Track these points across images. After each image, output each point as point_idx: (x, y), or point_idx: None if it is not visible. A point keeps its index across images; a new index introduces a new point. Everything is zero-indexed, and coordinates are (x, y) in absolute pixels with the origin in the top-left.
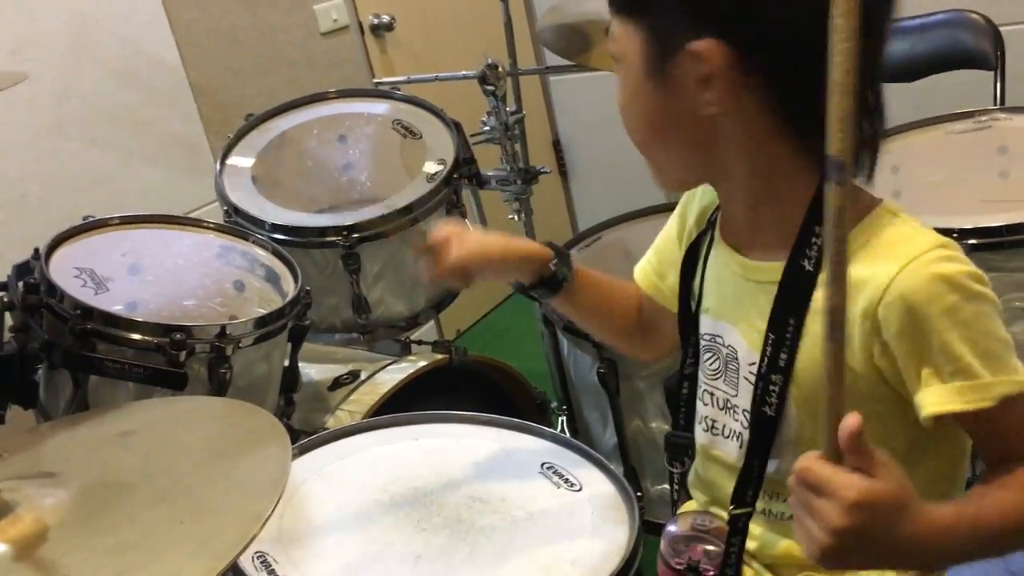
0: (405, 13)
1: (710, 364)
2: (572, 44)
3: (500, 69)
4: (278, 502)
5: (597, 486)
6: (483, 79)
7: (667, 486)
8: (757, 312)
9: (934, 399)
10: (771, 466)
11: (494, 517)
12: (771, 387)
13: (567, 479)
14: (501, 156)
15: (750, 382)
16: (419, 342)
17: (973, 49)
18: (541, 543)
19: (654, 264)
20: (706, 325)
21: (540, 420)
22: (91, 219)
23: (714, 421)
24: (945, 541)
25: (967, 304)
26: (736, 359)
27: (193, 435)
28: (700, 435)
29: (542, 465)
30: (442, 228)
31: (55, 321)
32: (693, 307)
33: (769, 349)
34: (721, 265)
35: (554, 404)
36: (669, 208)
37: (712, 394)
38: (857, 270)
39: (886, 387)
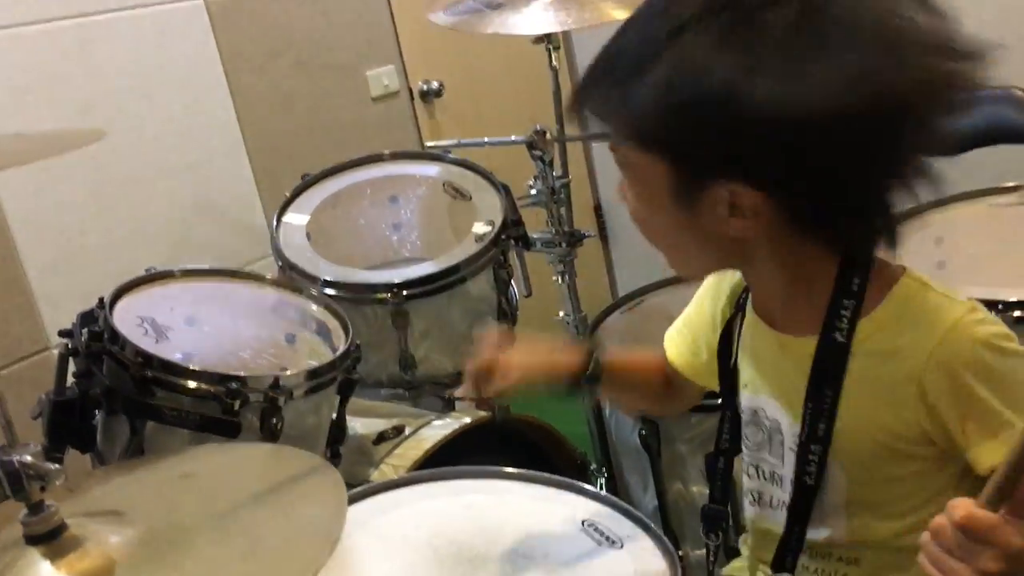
0: (454, 80)
1: (753, 437)
2: None
3: (548, 135)
4: (335, 545)
5: (639, 544)
6: (531, 145)
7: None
8: (795, 386)
9: (988, 455)
10: (820, 533)
11: (537, 572)
12: (810, 456)
13: (608, 537)
14: (547, 219)
15: (795, 452)
16: (462, 399)
17: (1019, 125)
18: None
19: (689, 343)
20: (747, 400)
21: (580, 480)
22: (153, 270)
23: (761, 493)
24: None
25: (1004, 362)
26: (780, 431)
27: (251, 479)
28: (748, 509)
29: (583, 523)
30: (485, 350)
31: (116, 368)
32: (729, 385)
33: (808, 420)
34: (757, 341)
35: (593, 466)
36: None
37: (757, 467)
38: (893, 340)
39: (931, 448)
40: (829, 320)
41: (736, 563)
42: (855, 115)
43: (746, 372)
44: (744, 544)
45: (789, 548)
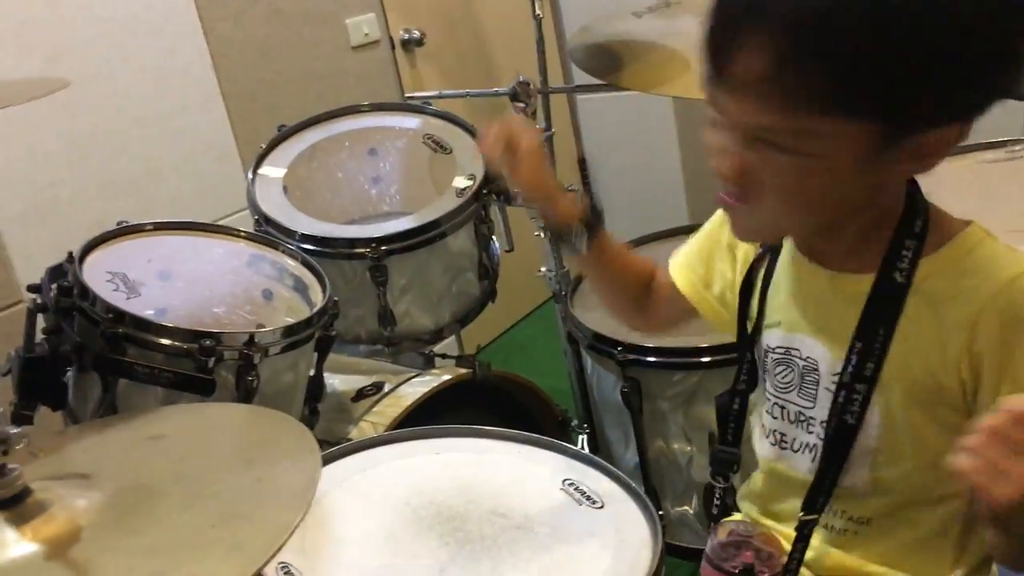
0: (436, 29)
1: (782, 377)
2: (603, 64)
3: (532, 87)
4: (307, 511)
5: (619, 504)
6: (514, 96)
7: (687, 508)
8: (844, 324)
9: None
10: (846, 477)
11: (516, 533)
12: (854, 396)
13: (589, 496)
14: None
15: (831, 392)
16: (443, 355)
17: None
18: (564, 560)
19: (700, 273)
20: (776, 339)
21: (561, 437)
22: (125, 224)
23: (783, 435)
24: None
25: None
26: (816, 370)
27: (223, 441)
28: (766, 449)
29: (564, 482)
30: (522, 133)
31: (87, 324)
32: (750, 328)
33: (855, 358)
34: (800, 280)
35: (575, 422)
36: (695, 229)
37: (783, 407)
38: (955, 282)
39: (964, 401)
40: (890, 259)
41: (736, 516)
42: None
43: (781, 311)
44: (744, 499)
45: (821, 490)
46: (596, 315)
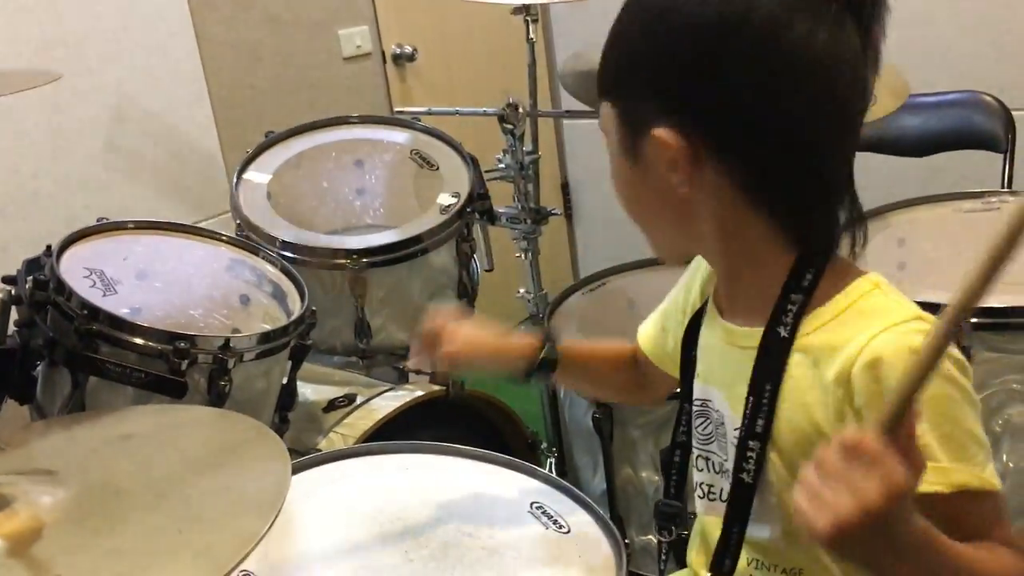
0: (428, 45)
1: (702, 429)
2: (593, 90)
3: (521, 110)
4: (275, 519)
5: (585, 530)
6: (503, 117)
7: (652, 537)
8: (740, 378)
9: None
10: (762, 532)
11: (482, 553)
12: (748, 453)
13: (556, 521)
14: (514, 194)
15: (735, 447)
16: (417, 371)
17: (985, 130)
18: None
19: (658, 329)
20: (697, 391)
21: (530, 460)
22: (105, 221)
23: (710, 486)
24: (923, 554)
25: (937, 384)
26: (724, 424)
27: (192, 444)
28: (698, 502)
29: (532, 505)
30: (437, 318)
31: (61, 319)
32: (689, 377)
33: (748, 413)
34: (710, 331)
35: (544, 445)
36: None
37: (707, 459)
38: (832, 336)
39: None
40: (776, 313)
41: (681, 573)
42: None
43: (700, 363)
44: (691, 550)
45: (728, 550)
46: (573, 338)
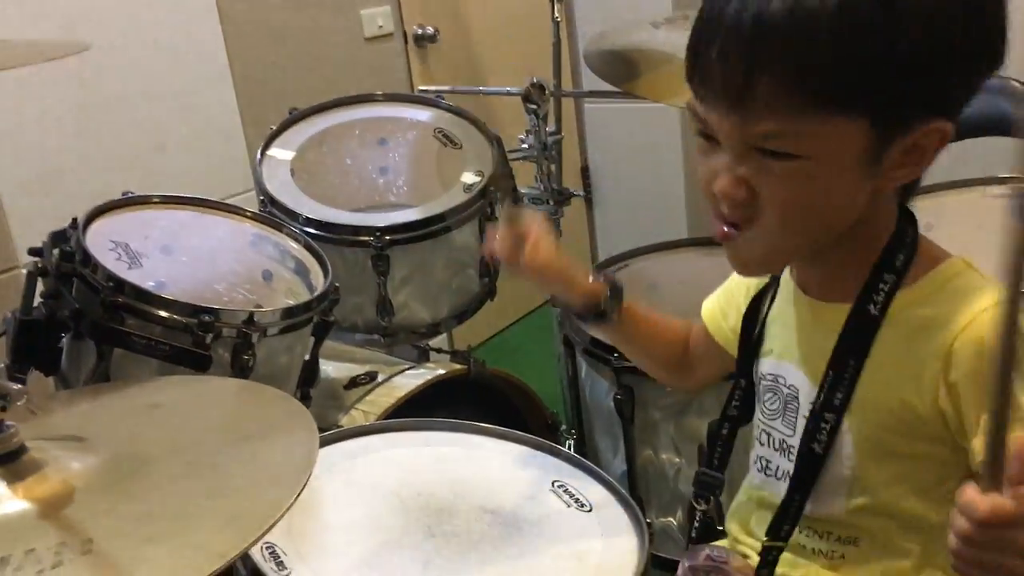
0: (449, 26)
1: (769, 404)
2: (618, 71)
3: (546, 90)
4: (303, 489)
5: (607, 510)
6: (527, 97)
7: (672, 519)
8: (822, 352)
9: None
10: (821, 507)
11: (504, 530)
12: (822, 424)
13: (578, 499)
14: (536, 175)
15: (807, 420)
16: (438, 350)
17: (1013, 117)
18: (550, 560)
19: (721, 304)
20: (768, 366)
21: (550, 441)
22: (130, 195)
23: (768, 461)
24: None
25: None
26: (797, 399)
27: (220, 414)
28: (754, 474)
29: (553, 483)
30: (531, 222)
31: (87, 291)
32: (748, 352)
33: (826, 387)
34: (790, 308)
35: (563, 426)
36: (697, 243)
37: (769, 434)
38: (929, 311)
39: (947, 431)
40: (866, 291)
41: (720, 542)
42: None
43: (773, 339)
44: (731, 519)
45: (787, 517)
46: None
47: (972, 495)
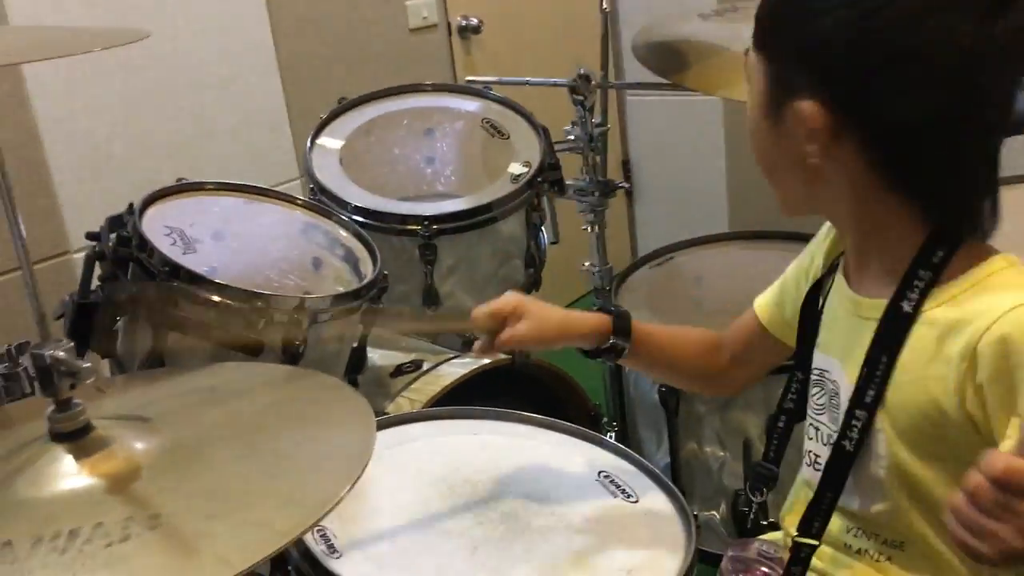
0: (493, 17)
1: (817, 399)
2: (665, 63)
3: (593, 81)
4: (363, 473)
5: (654, 501)
6: (574, 88)
7: (715, 513)
8: (860, 348)
9: None
10: (854, 503)
11: (551, 519)
12: (853, 422)
13: (624, 490)
14: (581, 167)
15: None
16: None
17: None
18: (596, 551)
19: (777, 297)
20: (818, 360)
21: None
22: (185, 181)
23: (817, 455)
24: None
25: None
26: (838, 394)
27: (277, 398)
28: (804, 469)
29: (599, 474)
30: (503, 303)
31: (142, 275)
32: (806, 344)
33: (859, 384)
34: (836, 301)
35: (605, 419)
36: (740, 236)
37: (817, 429)
38: (960, 310)
39: (977, 436)
40: (902, 287)
41: (773, 535)
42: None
43: (823, 332)
44: (785, 516)
45: (817, 513)
46: (639, 314)
47: (995, 452)
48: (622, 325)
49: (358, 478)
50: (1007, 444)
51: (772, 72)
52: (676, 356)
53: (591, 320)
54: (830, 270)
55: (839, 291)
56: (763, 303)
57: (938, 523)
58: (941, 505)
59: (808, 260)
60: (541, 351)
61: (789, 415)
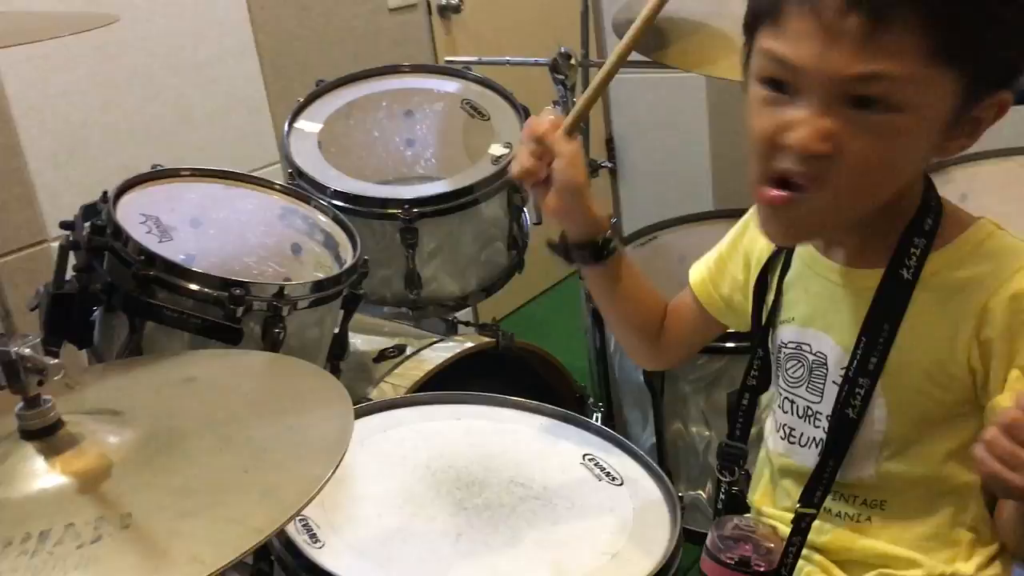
0: None
1: (792, 372)
2: (648, 40)
3: (573, 60)
4: (340, 463)
5: (639, 483)
6: (554, 67)
7: (701, 492)
8: (853, 318)
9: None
10: (850, 472)
11: (535, 503)
12: (857, 389)
13: (609, 473)
14: None
15: (837, 386)
16: (466, 323)
17: None
18: (582, 533)
19: (712, 273)
20: (790, 334)
21: (578, 414)
22: (160, 168)
23: (792, 429)
24: None
25: None
26: (824, 365)
27: (254, 387)
28: (777, 443)
29: (584, 457)
30: (546, 122)
31: (118, 265)
32: (764, 322)
33: (860, 352)
34: (814, 275)
35: (591, 400)
36: (725, 215)
37: (793, 402)
38: (965, 273)
39: (974, 391)
40: (898, 256)
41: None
42: None
43: (795, 307)
44: (754, 492)
45: (820, 483)
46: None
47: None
48: (619, 233)
49: (335, 470)
50: (1004, 398)
51: (969, 76)
52: (640, 301)
53: (603, 214)
54: (782, 248)
55: (812, 264)
56: (698, 279)
57: (927, 477)
58: (933, 462)
59: (748, 241)
60: (558, 208)
61: (752, 391)
